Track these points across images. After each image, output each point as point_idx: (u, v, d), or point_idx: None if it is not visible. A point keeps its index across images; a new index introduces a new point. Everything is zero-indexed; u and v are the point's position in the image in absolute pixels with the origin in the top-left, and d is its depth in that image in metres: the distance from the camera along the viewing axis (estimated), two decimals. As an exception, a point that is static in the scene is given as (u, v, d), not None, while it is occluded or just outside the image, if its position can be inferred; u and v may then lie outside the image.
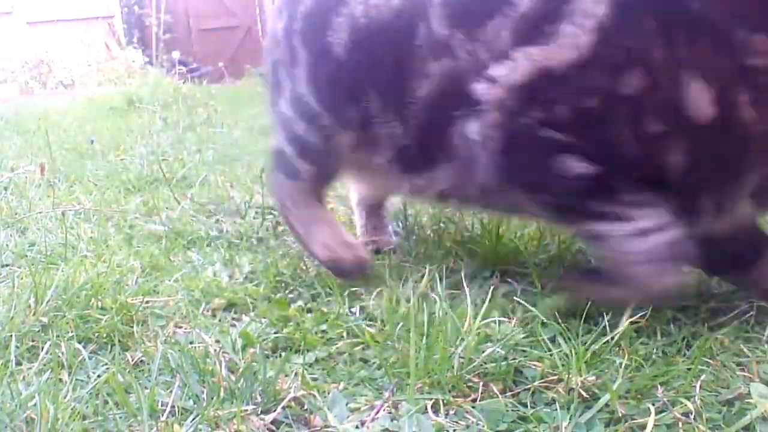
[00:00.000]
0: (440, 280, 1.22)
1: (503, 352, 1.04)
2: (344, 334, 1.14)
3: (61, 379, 1.01)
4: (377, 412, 0.91)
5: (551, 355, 1.01)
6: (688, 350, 1.06)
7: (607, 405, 0.90)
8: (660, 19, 0.95)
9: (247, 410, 0.91)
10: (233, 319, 1.28)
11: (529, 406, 0.92)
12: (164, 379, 1.02)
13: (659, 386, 0.93)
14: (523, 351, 1.05)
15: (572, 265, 1.35)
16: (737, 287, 1.24)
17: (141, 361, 1.11)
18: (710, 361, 1.00)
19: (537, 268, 1.33)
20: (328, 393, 0.96)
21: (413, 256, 1.44)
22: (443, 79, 1.12)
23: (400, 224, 1.68)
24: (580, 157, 1.02)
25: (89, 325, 1.20)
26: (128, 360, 1.10)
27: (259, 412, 0.92)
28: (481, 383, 0.97)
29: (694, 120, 0.95)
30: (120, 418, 0.91)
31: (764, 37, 0.91)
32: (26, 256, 1.65)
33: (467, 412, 0.91)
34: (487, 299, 1.15)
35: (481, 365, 1.00)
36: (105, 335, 1.18)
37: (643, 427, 0.85)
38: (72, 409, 0.92)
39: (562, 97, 1.01)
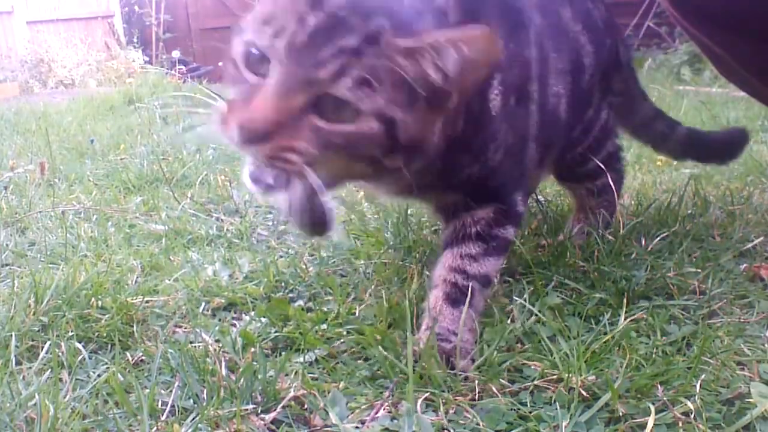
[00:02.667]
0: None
1: (503, 352, 1.04)
2: (344, 333, 1.14)
3: (61, 379, 1.01)
4: (377, 412, 0.91)
5: (551, 354, 1.01)
6: (688, 349, 1.06)
7: (607, 404, 0.90)
8: None
9: (247, 410, 0.91)
10: (233, 318, 1.28)
11: (528, 406, 0.92)
12: (164, 378, 1.02)
13: (659, 385, 0.93)
14: (523, 350, 1.05)
15: (570, 264, 1.35)
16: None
17: (141, 360, 1.11)
18: (710, 361, 1.00)
19: (536, 267, 1.33)
20: (328, 392, 0.96)
21: (413, 256, 1.44)
22: None
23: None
24: None
25: (89, 324, 1.20)
26: (128, 359, 1.10)
27: (259, 412, 0.92)
28: (482, 382, 0.97)
29: None
30: (120, 417, 0.91)
31: None
32: (26, 255, 1.65)
33: (467, 411, 0.91)
34: (487, 298, 1.15)
35: (481, 364, 1.00)
36: (105, 335, 1.18)
37: (643, 426, 0.85)
38: (72, 408, 0.92)
39: None
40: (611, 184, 1.45)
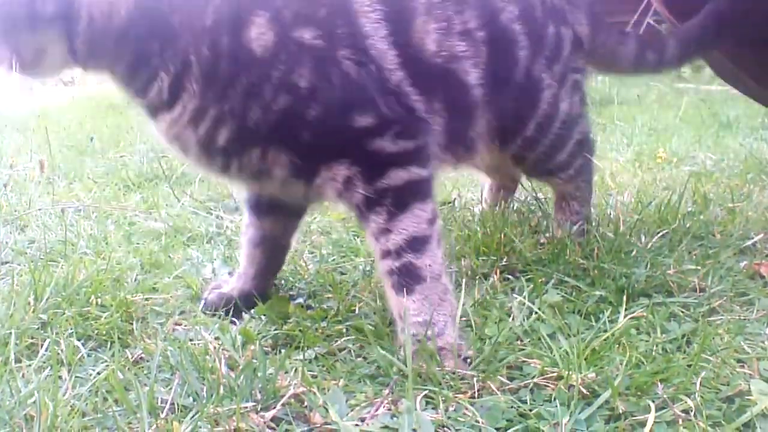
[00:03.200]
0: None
1: (503, 349, 1.03)
2: (344, 331, 1.14)
3: (60, 377, 1.01)
4: (377, 409, 0.91)
5: (551, 351, 1.01)
6: (688, 347, 1.06)
7: (607, 402, 0.90)
8: None
9: (246, 407, 0.91)
10: (233, 316, 1.28)
11: (528, 403, 0.92)
12: (164, 376, 1.02)
13: (659, 383, 0.93)
14: (523, 348, 1.04)
15: (570, 261, 1.35)
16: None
17: (140, 358, 1.11)
18: (710, 358, 1.00)
19: (536, 264, 1.33)
20: (328, 390, 0.96)
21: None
22: None
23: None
24: None
25: (89, 322, 1.20)
26: (128, 357, 1.10)
27: (258, 409, 0.92)
28: (481, 380, 0.97)
29: None
30: (119, 415, 0.90)
31: None
32: (26, 253, 1.64)
33: (466, 408, 0.91)
34: (487, 296, 1.15)
35: (481, 362, 1.00)
36: (104, 332, 1.18)
37: (643, 424, 0.85)
38: (71, 406, 0.92)
39: None
40: (587, 167, 1.48)
